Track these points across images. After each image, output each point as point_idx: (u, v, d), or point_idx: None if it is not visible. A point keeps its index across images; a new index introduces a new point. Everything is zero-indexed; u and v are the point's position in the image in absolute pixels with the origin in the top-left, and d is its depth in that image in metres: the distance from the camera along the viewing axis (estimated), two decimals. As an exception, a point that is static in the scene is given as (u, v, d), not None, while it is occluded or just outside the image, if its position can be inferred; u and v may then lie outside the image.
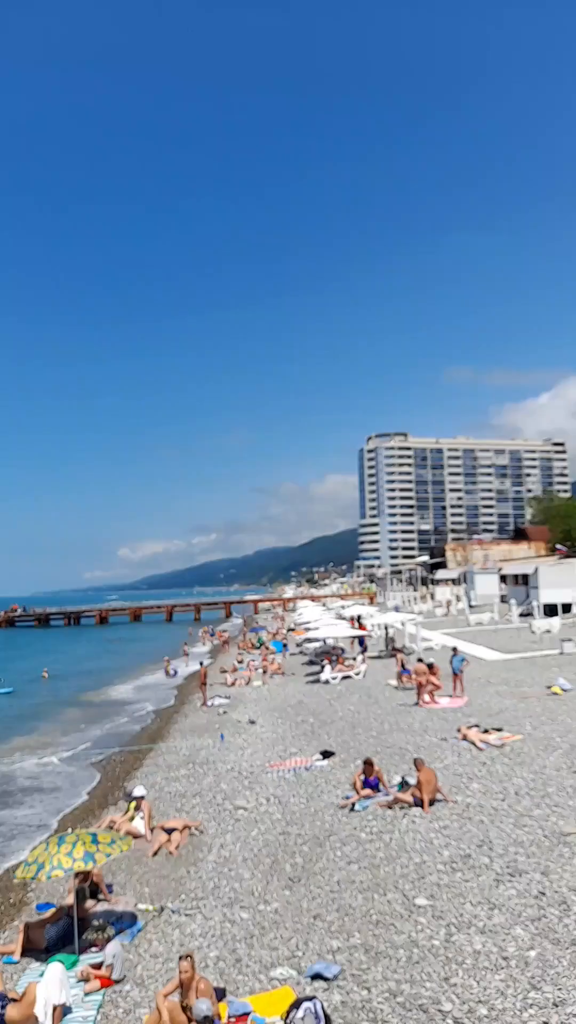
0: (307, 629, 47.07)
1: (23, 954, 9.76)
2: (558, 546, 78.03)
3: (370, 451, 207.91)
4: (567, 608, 47.51)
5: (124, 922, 10.18)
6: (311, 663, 37.61)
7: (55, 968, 8.27)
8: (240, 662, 41.59)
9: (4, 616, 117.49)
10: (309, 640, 42.45)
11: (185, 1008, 7.48)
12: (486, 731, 17.95)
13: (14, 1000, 8.15)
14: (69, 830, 11.60)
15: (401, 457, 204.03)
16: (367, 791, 14.21)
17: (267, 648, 47.70)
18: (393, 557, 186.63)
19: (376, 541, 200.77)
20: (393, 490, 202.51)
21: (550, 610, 47.21)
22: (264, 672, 35.75)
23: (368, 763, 14.71)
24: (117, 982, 8.69)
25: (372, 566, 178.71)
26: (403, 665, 28.26)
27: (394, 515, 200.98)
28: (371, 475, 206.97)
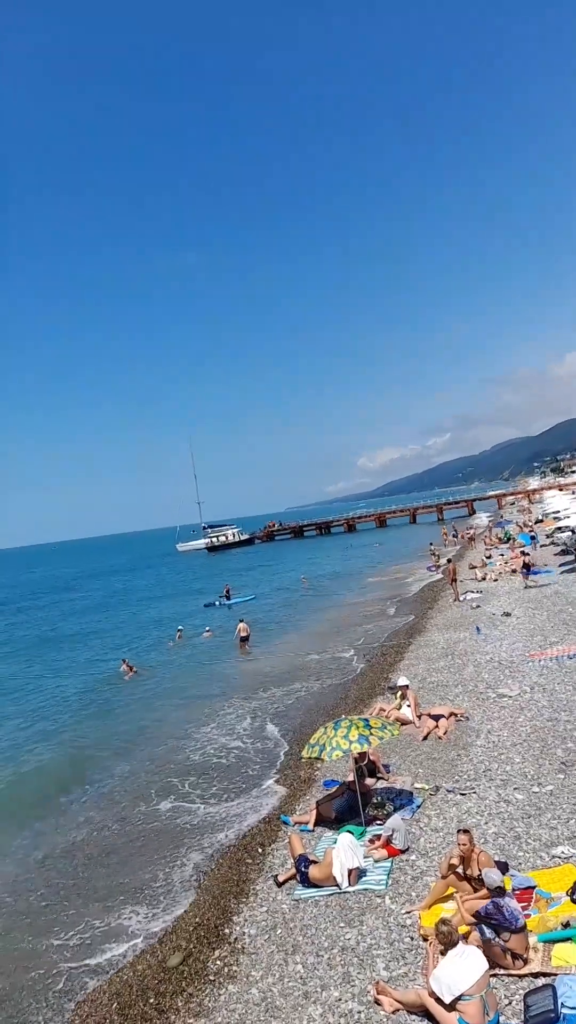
0: (556, 519, 44.84)
1: (316, 824, 10.92)
2: None
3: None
4: None
5: (403, 799, 10.91)
6: (564, 552, 35.94)
7: (346, 837, 9.18)
8: (488, 557, 40.95)
9: (265, 532, 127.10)
10: (560, 530, 40.46)
11: (468, 878, 7.89)
12: None
13: (315, 862, 9.21)
14: (343, 716, 12.51)
15: None
16: None
17: (516, 541, 46.33)
18: None
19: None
20: None
21: None
22: (520, 567, 34.88)
23: None
24: (403, 852, 9.39)
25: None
26: None
27: None
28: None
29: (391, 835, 9.49)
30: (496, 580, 32.66)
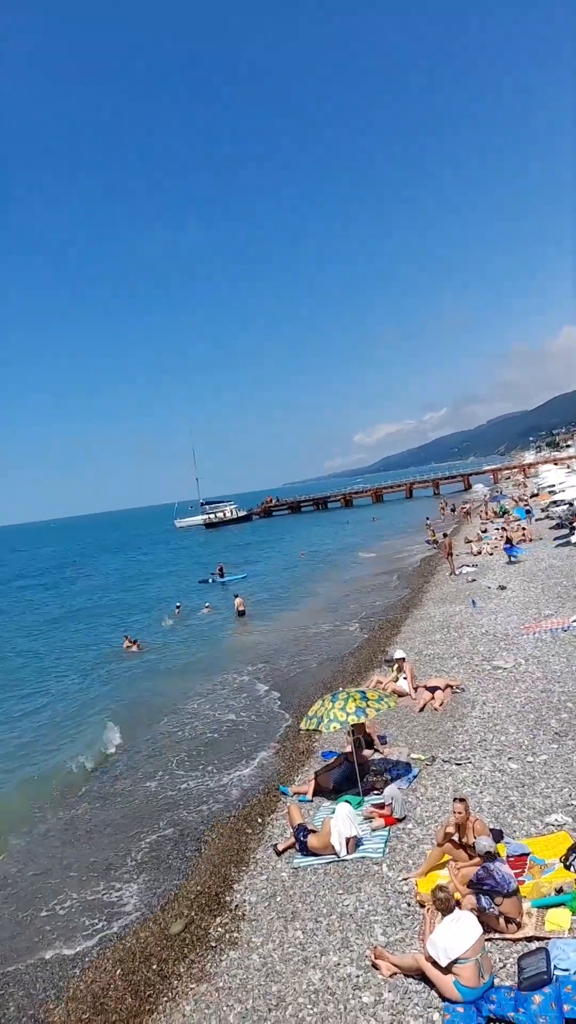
0: (552, 492, 44.95)
1: (314, 795, 11.09)
2: None
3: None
4: None
5: (399, 769, 11.07)
6: (559, 526, 36.08)
7: (344, 807, 9.33)
8: (484, 531, 41.06)
9: (262, 507, 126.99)
10: (555, 503, 40.59)
11: (463, 846, 8.03)
12: None
13: (313, 831, 9.37)
14: (341, 689, 12.64)
15: None
16: None
17: (511, 516, 46.45)
18: None
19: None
20: None
21: None
22: (515, 540, 35.01)
23: None
24: (399, 820, 9.55)
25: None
26: None
27: None
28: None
29: (388, 804, 9.65)
30: (491, 554, 32.79)
